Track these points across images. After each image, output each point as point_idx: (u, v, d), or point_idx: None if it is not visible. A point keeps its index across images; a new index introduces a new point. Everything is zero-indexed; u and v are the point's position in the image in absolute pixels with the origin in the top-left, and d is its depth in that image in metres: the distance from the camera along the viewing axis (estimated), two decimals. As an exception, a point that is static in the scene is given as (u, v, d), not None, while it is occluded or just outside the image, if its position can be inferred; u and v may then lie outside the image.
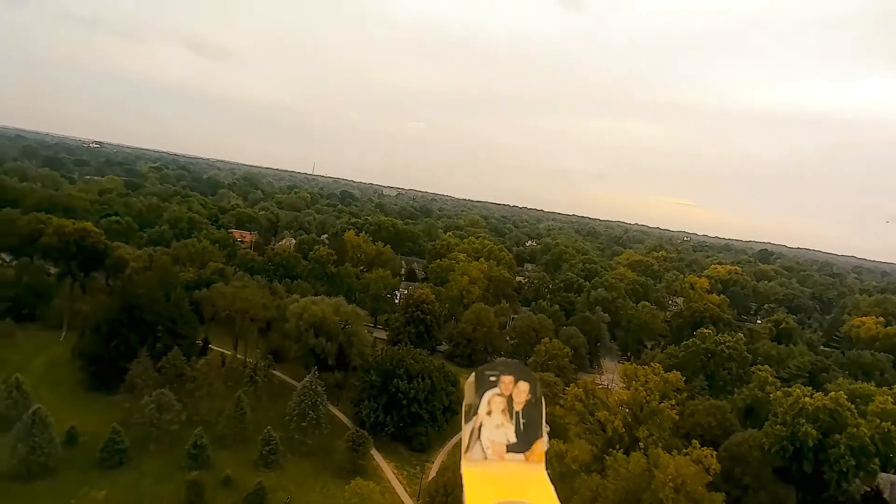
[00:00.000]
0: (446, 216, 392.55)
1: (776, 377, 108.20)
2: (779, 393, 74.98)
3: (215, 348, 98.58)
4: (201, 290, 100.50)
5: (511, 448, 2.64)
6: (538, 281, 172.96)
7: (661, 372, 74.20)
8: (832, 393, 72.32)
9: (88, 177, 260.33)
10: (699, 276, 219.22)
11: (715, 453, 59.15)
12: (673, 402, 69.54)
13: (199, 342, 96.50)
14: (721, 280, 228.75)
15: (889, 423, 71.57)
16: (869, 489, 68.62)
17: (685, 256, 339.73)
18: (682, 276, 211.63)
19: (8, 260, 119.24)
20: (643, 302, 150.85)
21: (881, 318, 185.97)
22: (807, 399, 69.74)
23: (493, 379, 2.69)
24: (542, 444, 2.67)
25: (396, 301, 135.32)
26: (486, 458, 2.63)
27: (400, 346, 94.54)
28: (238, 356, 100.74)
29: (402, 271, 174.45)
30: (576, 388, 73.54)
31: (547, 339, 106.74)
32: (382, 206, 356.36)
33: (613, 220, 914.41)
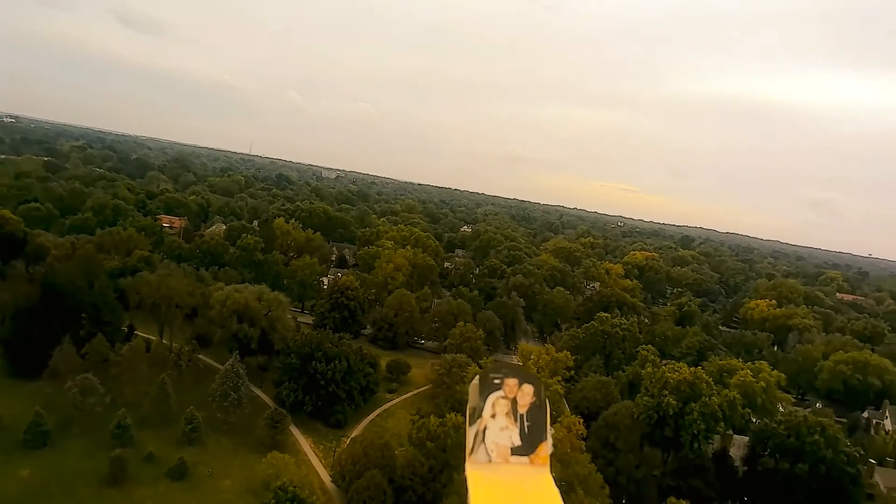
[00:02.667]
0: (384, 201, 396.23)
1: (670, 356, 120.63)
2: (650, 368, 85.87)
3: (141, 334, 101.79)
4: (126, 278, 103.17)
5: (515, 451, 2.69)
6: (464, 267, 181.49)
7: (553, 352, 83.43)
8: (692, 368, 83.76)
9: (3, 156, 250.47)
10: (617, 263, 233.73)
11: (581, 420, 68.50)
12: (559, 378, 78.86)
13: (125, 329, 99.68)
14: (638, 266, 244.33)
15: (735, 392, 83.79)
16: (718, 448, 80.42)
17: (611, 242, 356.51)
18: (599, 262, 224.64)
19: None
20: (559, 287, 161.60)
21: (774, 301, 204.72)
22: (670, 374, 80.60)
23: (497, 381, 2.74)
24: (546, 447, 2.72)
25: (325, 287, 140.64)
26: (490, 460, 2.67)
27: (320, 330, 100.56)
28: (164, 342, 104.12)
29: (333, 258, 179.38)
30: (476, 368, 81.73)
31: (462, 323, 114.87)
32: (318, 191, 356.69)
33: (553, 204, 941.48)
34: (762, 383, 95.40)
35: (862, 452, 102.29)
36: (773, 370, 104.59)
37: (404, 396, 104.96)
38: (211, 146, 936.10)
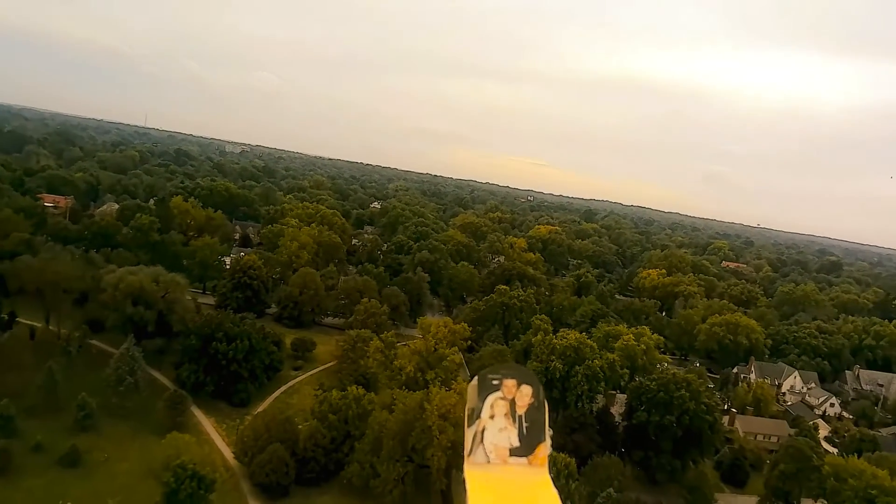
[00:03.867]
0: (291, 177, 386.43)
1: (566, 324, 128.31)
2: (540, 336, 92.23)
3: (23, 321, 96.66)
4: (4, 262, 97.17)
5: (514, 452, 2.72)
6: (371, 244, 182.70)
7: (451, 324, 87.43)
8: (579, 335, 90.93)
9: None
10: (522, 237, 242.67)
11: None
12: (457, 348, 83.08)
13: (5, 316, 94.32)
14: (541, 239, 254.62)
15: (617, 355, 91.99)
16: (602, 406, 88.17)
17: (518, 217, 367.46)
18: (504, 236, 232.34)
19: None
20: (463, 262, 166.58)
21: (664, 270, 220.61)
22: (557, 341, 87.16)
23: (495, 382, 2.75)
24: (545, 448, 2.75)
25: (227, 267, 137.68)
26: (489, 461, 2.70)
27: (221, 311, 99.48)
28: (51, 328, 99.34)
29: (236, 237, 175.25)
30: (377, 342, 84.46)
31: (367, 300, 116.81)
32: (221, 167, 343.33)
33: (466, 178, 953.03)
34: (643, 346, 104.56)
35: (728, 404, 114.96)
36: (654, 334, 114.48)
37: (310, 373, 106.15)
38: (100, 118, 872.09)
